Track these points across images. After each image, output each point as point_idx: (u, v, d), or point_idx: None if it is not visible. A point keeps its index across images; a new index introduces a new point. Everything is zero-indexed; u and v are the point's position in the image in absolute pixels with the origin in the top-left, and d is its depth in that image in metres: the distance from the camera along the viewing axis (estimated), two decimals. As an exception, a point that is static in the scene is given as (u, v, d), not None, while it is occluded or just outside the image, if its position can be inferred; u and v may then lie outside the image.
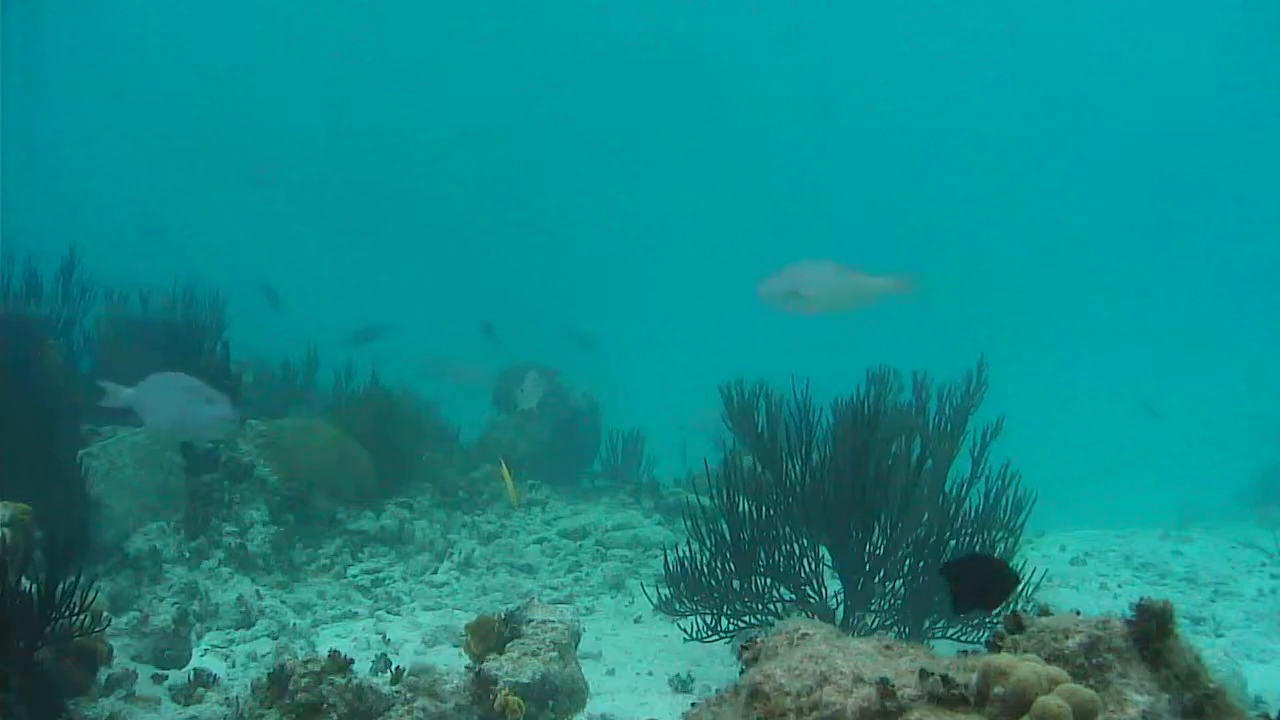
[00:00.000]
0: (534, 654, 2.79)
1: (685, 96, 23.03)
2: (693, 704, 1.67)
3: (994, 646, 1.52)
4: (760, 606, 3.92)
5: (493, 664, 2.75)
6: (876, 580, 3.89)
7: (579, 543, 5.97)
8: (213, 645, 4.31)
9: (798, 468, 3.89)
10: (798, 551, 3.89)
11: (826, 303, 3.79)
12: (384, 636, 4.48)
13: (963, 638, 3.79)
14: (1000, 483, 3.93)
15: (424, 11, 22.24)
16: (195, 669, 3.71)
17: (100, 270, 6.09)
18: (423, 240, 20.56)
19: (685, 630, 3.96)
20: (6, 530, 3.16)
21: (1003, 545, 3.90)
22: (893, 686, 1.33)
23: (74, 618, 2.78)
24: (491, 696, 2.65)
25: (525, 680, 2.68)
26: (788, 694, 1.41)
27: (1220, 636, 4.74)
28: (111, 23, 20.34)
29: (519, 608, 3.02)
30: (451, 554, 5.66)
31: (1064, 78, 22.42)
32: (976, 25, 21.95)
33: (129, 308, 6.16)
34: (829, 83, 22.51)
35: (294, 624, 4.59)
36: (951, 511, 3.85)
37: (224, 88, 21.56)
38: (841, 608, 3.93)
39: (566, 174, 22.86)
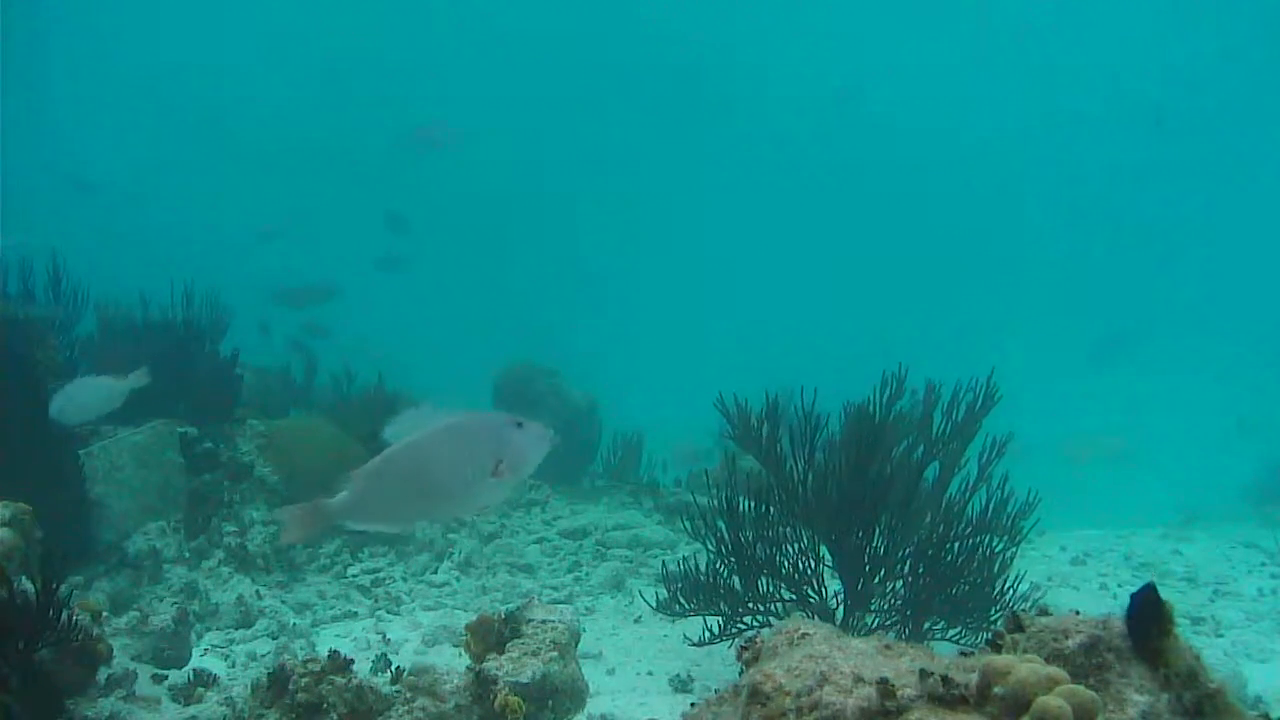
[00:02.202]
0: (534, 654, 2.79)
1: (692, 98, 23.04)
2: (692, 704, 1.67)
3: (994, 646, 1.52)
4: (760, 607, 3.92)
5: (493, 664, 2.75)
6: (877, 581, 3.89)
7: (579, 542, 5.97)
8: (213, 645, 4.31)
9: (800, 468, 3.89)
10: (798, 551, 3.89)
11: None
12: (384, 636, 4.48)
13: (963, 640, 3.79)
14: (1000, 492, 3.93)
15: (427, 9, 22.24)
16: (195, 669, 3.71)
17: (92, 270, 6.09)
18: (423, 240, 20.53)
19: (688, 635, 3.96)
20: (7, 530, 3.15)
21: (1003, 551, 3.90)
22: (893, 686, 1.33)
23: (73, 618, 2.77)
24: (491, 696, 2.65)
25: (525, 680, 2.68)
26: (788, 694, 1.41)
27: (1220, 636, 4.74)
28: (106, 22, 20.34)
29: (519, 607, 3.01)
30: (451, 553, 5.66)
31: (1075, 81, 22.44)
32: (990, 21, 21.95)
33: (126, 309, 6.15)
34: (835, 87, 22.51)
35: (294, 624, 4.59)
36: (954, 515, 3.86)
37: (215, 85, 21.56)
38: (842, 608, 3.93)
39: (569, 174, 22.85)
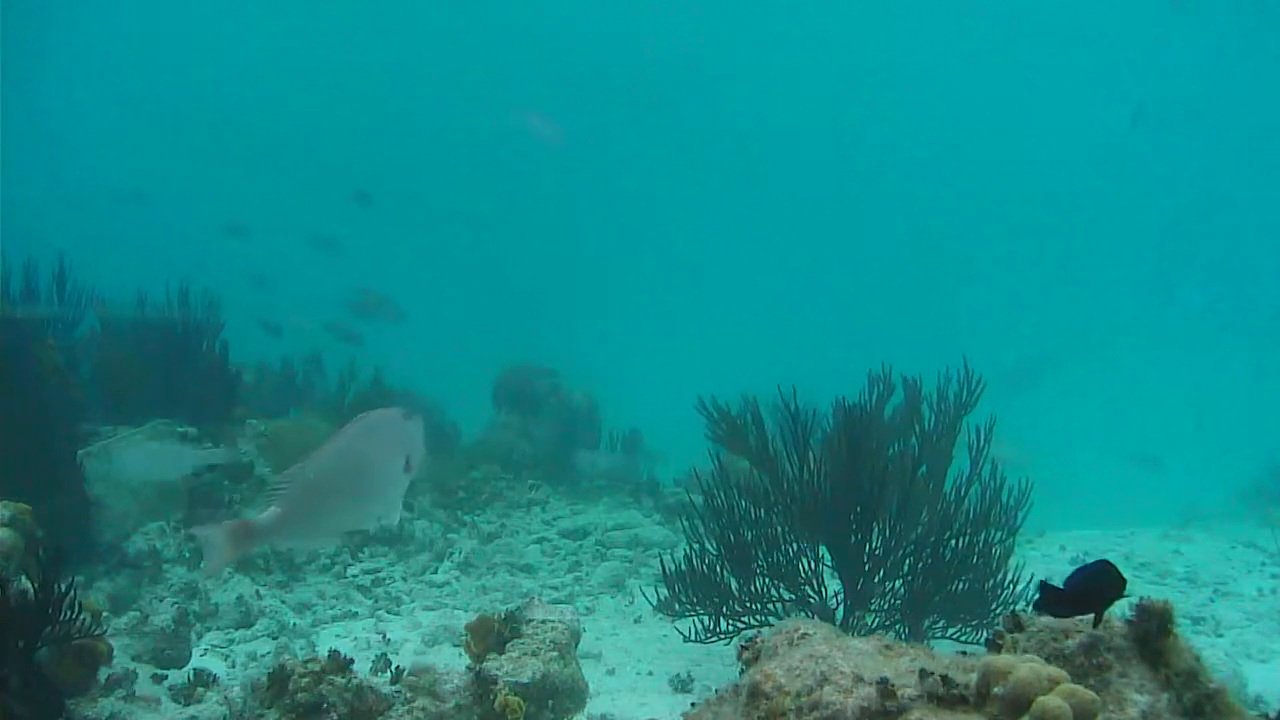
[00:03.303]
0: (534, 654, 2.79)
1: (690, 101, 23.05)
2: (693, 704, 1.67)
3: (994, 646, 1.52)
4: (760, 607, 3.92)
5: (493, 664, 2.75)
6: (876, 580, 3.89)
7: (579, 543, 5.98)
8: (213, 645, 4.31)
9: (794, 468, 3.89)
10: (795, 552, 3.89)
11: None
12: (384, 636, 4.48)
13: (962, 638, 3.79)
14: (994, 484, 3.94)
15: (430, 14, 22.26)
16: (195, 669, 3.71)
17: (93, 271, 6.09)
18: (423, 240, 20.55)
19: (683, 633, 3.97)
20: (7, 530, 3.15)
21: (1000, 544, 3.90)
22: (893, 686, 1.33)
23: (73, 618, 2.77)
24: (491, 696, 2.65)
25: (525, 680, 2.68)
26: (788, 694, 1.41)
27: (1220, 636, 4.74)
28: (106, 19, 20.32)
29: (519, 607, 3.02)
30: (451, 554, 5.66)
31: (1065, 87, 22.44)
32: (982, 32, 21.99)
33: (125, 309, 6.14)
34: (831, 90, 22.50)
35: (294, 624, 4.59)
36: (950, 511, 3.86)
37: (214, 83, 21.54)
38: (841, 608, 3.93)
39: (569, 175, 22.84)
